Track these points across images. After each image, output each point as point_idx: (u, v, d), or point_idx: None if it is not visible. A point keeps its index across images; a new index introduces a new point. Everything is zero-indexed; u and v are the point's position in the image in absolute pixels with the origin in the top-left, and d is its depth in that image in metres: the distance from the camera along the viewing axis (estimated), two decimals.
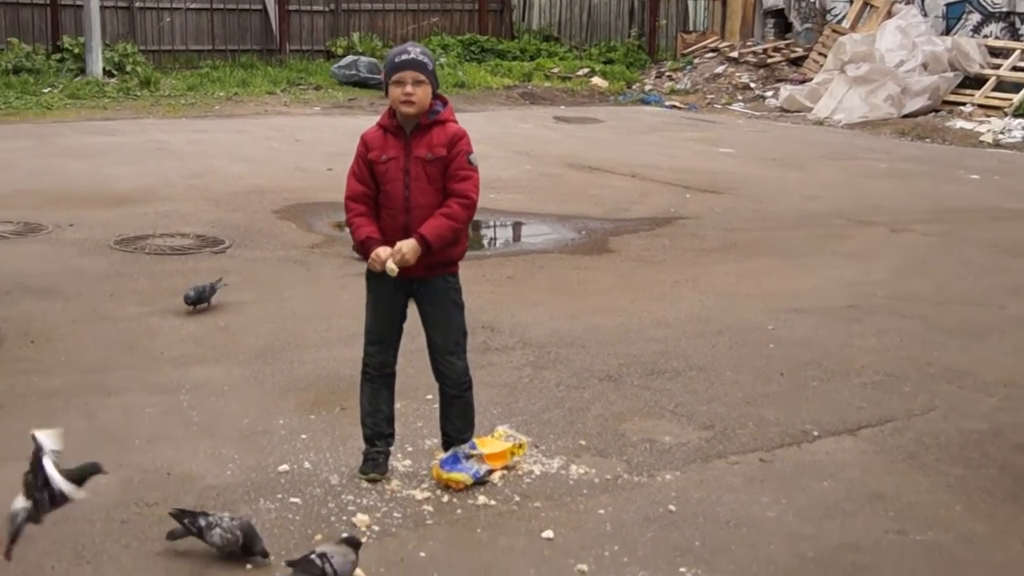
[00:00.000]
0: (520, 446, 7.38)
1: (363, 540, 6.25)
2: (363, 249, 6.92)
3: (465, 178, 6.87)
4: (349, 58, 29.92)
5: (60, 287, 11.25)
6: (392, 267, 6.72)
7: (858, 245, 14.26)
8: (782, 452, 7.78)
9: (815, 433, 8.13)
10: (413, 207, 6.83)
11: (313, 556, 5.77)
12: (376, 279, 7.07)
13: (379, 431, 7.25)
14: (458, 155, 6.86)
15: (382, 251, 6.77)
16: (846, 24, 30.17)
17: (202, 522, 6.13)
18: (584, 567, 6.09)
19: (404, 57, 6.83)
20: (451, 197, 6.84)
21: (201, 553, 6.14)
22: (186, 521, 6.16)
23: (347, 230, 13.28)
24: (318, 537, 6.29)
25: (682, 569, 6.13)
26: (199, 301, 10.47)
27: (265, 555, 6.14)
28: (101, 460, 7.17)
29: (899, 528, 6.71)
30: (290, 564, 5.86)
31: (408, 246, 6.72)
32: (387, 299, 7.08)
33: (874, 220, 15.65)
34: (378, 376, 7.24)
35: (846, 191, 17.92)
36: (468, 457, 7.07)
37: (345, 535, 6.08)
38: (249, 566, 6.07)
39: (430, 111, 6.91)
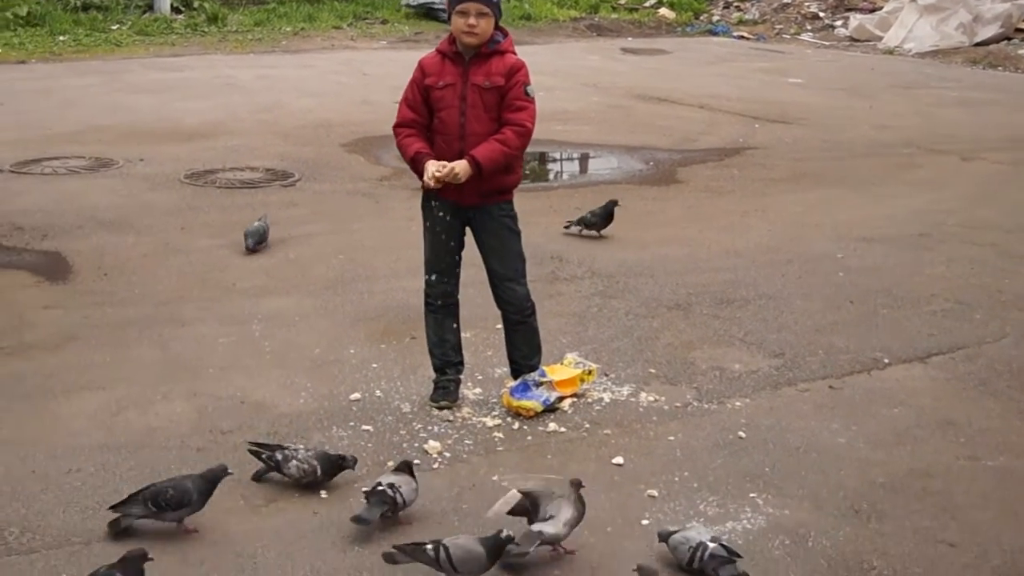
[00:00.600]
0: (590, 373, 7.40)
1: (435, 465, 6.33)
2: (414, 166, 6.92)
3: (521, 108, 6.86)
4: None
5: (131, 221, 11.35)
6: (429, 173, 6.73)
7: (928, 174, 14.16)
8: (852, 379, 7.78)
9: (885, 360, 8.11)
10: (468, 134, 6.84)
11: (383, 487, 5.83)
12: (432, 206, 7.11)
13: (447, 360, 7.30)
14: (515, 85, 6.85)
15: (432, 164, 6.77)
16: None
17: (279, 455, 6.19)
18: (654, 492, 6.13)
19: None
20: (506, 125, 6.85)
21: (275, 481, 6.22)
22: (264, 455, 6.23)
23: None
24: (390, 464, 6.34)
25: (752, 495, 6.15)
26: (262, 240, 10.51)
27: (353, 463, 6.23)
28: (175, 389, 7.34)
29: (970, 454, 6.70)
30: (365, 496, 5.90)
31: (460, 166, 6.72)
32: (443, 228, 7.10)
33: (945, 149, 15.51)
34: (441, 306, 7.28)
35: (916, 120, 17.76)
36: (538, 384, 7.11)
37: (398, 463, 6.13)
38: (324, 493, 6.14)
39: (490, 41, 6.91)
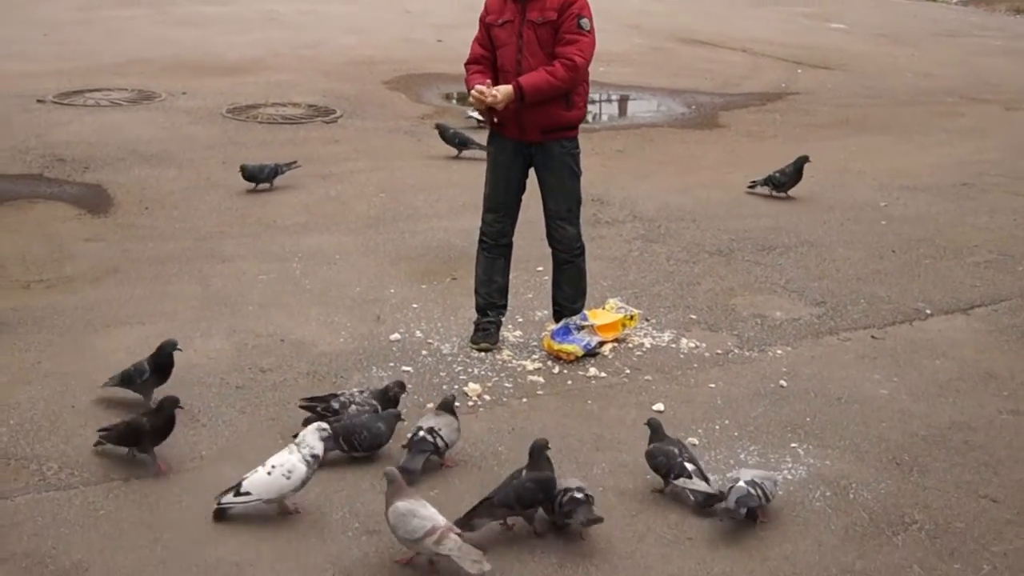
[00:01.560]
0: (631, 318, 7.38)
1: (474, 407, 6.33)
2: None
3: (571, 41, 6.81)
4: None
5: (173, 154, 11.35)
6: (477, 90, 6.75)
7: (971, 123, 14.05)
8: (894, 329, 7.73)
9: (927, 311, 8.06)
10: (525, 70, 6.81)
11: (423, 434, 5.81)
12: (496, 144, 7.09)
13: (492, 301, 7.28)
14: (568, 18, 6.81)
15: (477, 87, 6.77)
16: None
17: (335, 404, 6.13)
18: (695, 440, 6.11)
19: None
20: (556, 58, 6.81)
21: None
22: (319, 408, 6.16)
23: (454, 102, 13.31)
24: (429, 406, 6.34)
25: (793, 444, 6.12)
26: (253, 179, 10.39)
27: (402, 387, 6.24)
28: (215, 325, 7.34)
29: (1012, 408, 6.65)
30: (406, 445, 5.88)
31: (502, 90, 6.73)
32: (505, 165, 7.09)
33: (987, 98, 15.40)
34: (495, 246, 7.26)
35: (959, 68, 17.62)
36: (579, 328, 7.09)
37: (439, 403, 6.11)
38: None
39: None
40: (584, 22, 6.84)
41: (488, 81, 6.81)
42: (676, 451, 5.56)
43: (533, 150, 7.01)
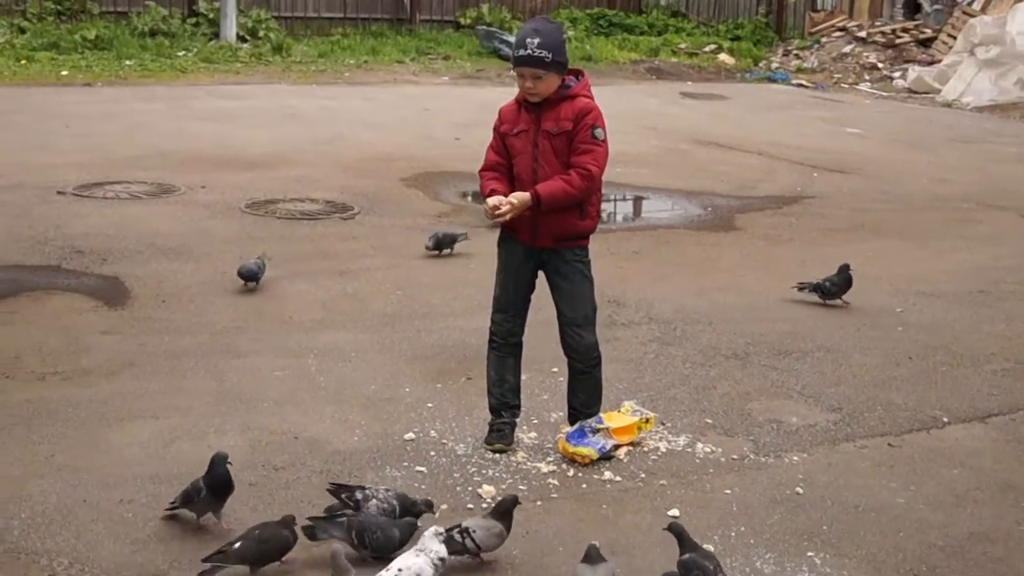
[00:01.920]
0: (647, 421, 7.36)
1: (485, 504, 6.29)
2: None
3: (586, 151, 6.86)
4: (495, 30, 30.01)
5: (191, 248, 11.39)
6: (490, 203, 6.80)
7: (987, 229, 14.05)
8: (911, 437, 7.70)
9: (944, 419, 8.03)
10: (541, 178, 6.85)
11: (455, 533, 5.78)
12: (507, 246, 7.12)
13: (505, 401, 7.27)
14: (583, 128, 6.86)
15: (493, 198, 6.82)
16: (976, 6, 29.62)
17: (358, 495, 6.11)
18: (710, 547, 6.05)
19: (522, 53, 6.82)
20: (572, 168, 6.85)
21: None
22: (343, 496, 6.14)
23: (470, 200, 13.34)
24: (443, 507, 6.31)
25: (809, 553, 6.08)
26: (249, 279, 10.30)
27: (429, 507, 6.16)
28: (229, 421, 7.34)
29: None
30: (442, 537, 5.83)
31: (519, 197, 6.77)
32: (516, 268, 7.12)
33: (1003, 205, 15.41)
34: (504, 345, 7.26)
35: (975, 175, 17.65)
36: (595, 431, 7.07)
37: (500, 499, 6.11)
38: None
39: (561, 86, 6.92)
40: (598, 132, 6.89)
41: (500, 193, 6.86)
42: (712, 568, 5.47)
43: (545, 256, 7.04)
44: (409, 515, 6.05)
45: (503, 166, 7.02)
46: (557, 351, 7.39)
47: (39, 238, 11.43)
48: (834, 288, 10.49)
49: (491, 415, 7.30)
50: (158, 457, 6.91)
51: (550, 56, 6.80)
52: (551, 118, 6.88)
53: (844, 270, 10.55)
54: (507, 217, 6.76)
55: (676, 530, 5.68)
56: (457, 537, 5.75)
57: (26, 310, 9.48)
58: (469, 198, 13.41)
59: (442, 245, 11.31)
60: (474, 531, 5.80)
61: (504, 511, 5.93)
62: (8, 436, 7.10)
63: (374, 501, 6.05)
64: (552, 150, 6.87)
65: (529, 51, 6.78)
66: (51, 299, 9.77)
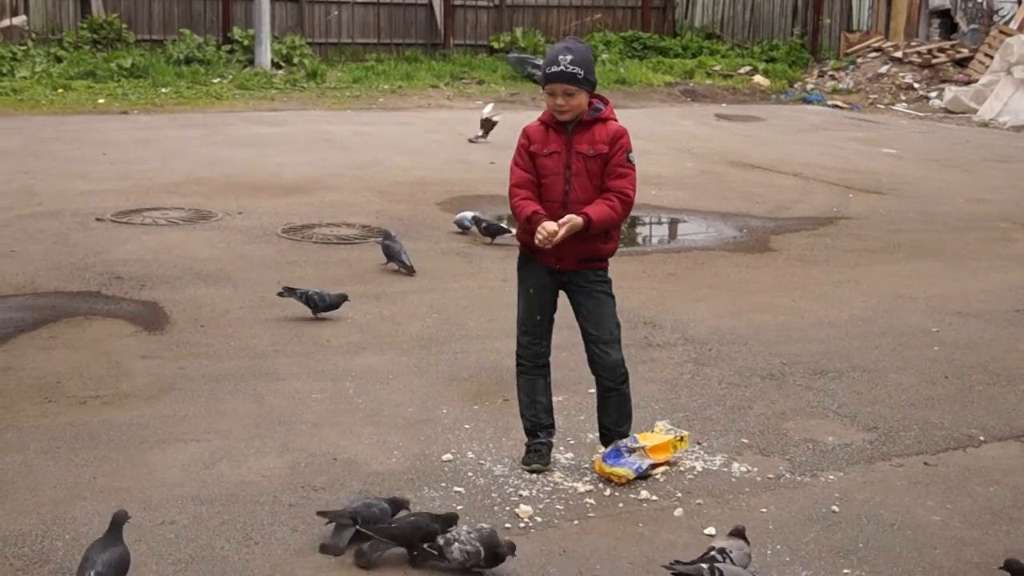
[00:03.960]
0: (682, 440, 7.38)
1: (523, 524, 6.32)
2: (529, 225, 6.93)
3: (623, 175, 6.92)
4: (526, 56, 30.14)
5: (229, 273, 11.48)
6: (544, 234, 6.75)
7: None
8: (947, 456, 7.71)
9: (981, 438, 8.03)
10: (572, 201, 6.89)
11: (713, 552, 5.86)
12: (528, 268, 7.17)
13: (539, 423, 7.31)
14: (618, 151, 6.92)
15: (549, 224, 6.79)
16: (1013, 25, 29.59)
17: (439, 540, 6.05)
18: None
19: (554, 70, 6.87)
20: (610, 192, 6.90)
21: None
22: (426, 545, 6.07)
23: (505, 223, 13.38)
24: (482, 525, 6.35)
25: (845, 571, 6.11)
26: (329, 307, 10.28)
27: (512, 549, 6.01)
28: (268, 443, 7.41)
29: None
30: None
31: (573, 221, 6.77)
32: (539, 290, 7.16)
33: None
34: (533, 367, 7.31)
35: (1012, 194, 17.62)
36: (631, 451, 7.10)
37: (732, 529, 6.14)
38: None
39: (592, 109, 6.98)
40: (632, 156, 6.97)
41: (543, 215, 6.87)
42: None
43: (566, 277, 7.09)
44: (494, 558, 5.97)
45: (533, 183, 7.02)
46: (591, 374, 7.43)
47: (79, 264, 11.54)
48: None
49: (527, 436, 7.34)
50: (199, 479, 6.97)
51: (582, 73, 6.86)
52: (585, 140, 6.93)
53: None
54: (559, 239, 6.76)
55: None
56: (718, 556, 5.82)
57: (67, 335, 9.57)
58: (505, 222, 13.46)
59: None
60: (730, 551, 5.86)
61: (740, 534, 6.02)
62: (51, 459, 7.18)
63: (456, 544, 5.98)
64: (586, 172, 6.92)
65: (562, 67, 6.84)
66: (91, 324, 9.86)
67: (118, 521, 5.70)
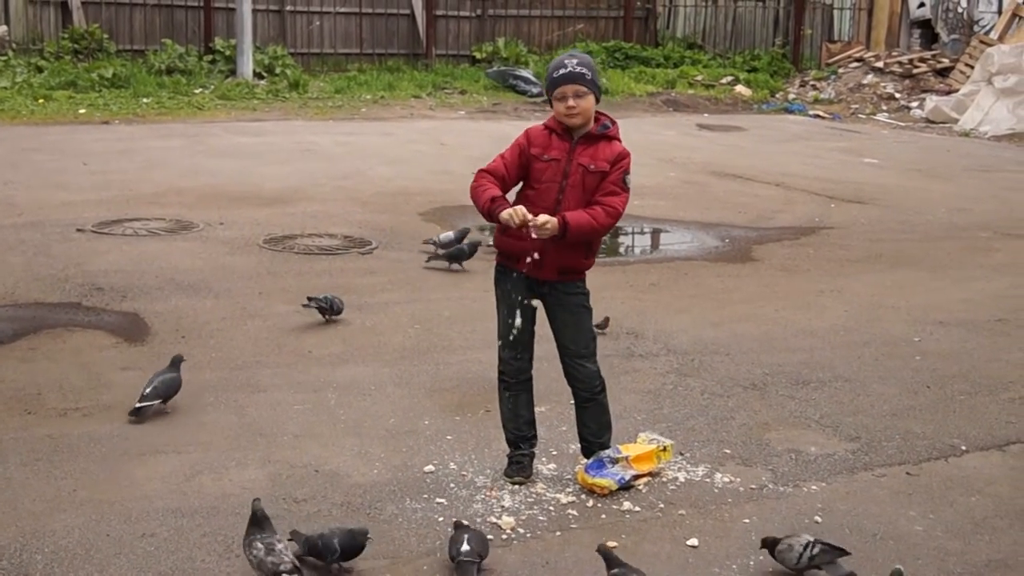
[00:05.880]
0: (665, 450, 7.38)
1: (505, 535, 6.31)
2: (491, 210, 6.77)
3: (615, 193, 6.89)
4: (507, 68, 30.12)
5: (210, 284, 11.44)
6: (520, 215, 6.63)
7: (1006, 258, 14.07)
8: (929, 466, 7.71)
9: (963, 447, 8.04)
10: (562, 210, 6.84)
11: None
12: (505, 278, 7.14)
13: (521, 435, 7.30)
14: (616, 171, 6.89)
15: (520, 209, 6.70)
16: (994, 35, 29.72)
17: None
18: None
19: (562, 72, 6.86)
20: (598, 204, 6.87)
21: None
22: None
23: (487, 233, 13.37)
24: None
25: None
26: (335, 311, 10.46)
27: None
28: (250, 455, 7.38)
29: None
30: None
31: (552, 221, 6.69)
32: (519, 301, 7.11)
33: (1022, 233, 15.43)
34: (516, 383, 7.29)
35: (993, 204, 17.67)
36: (614, 462, 7.09)
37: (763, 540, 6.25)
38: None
39: (600, 125, 6.95)
40: (629, 179, 6.93)
41: (503, 201, 6.78)
42: None
43: (544, 289, 7.05)
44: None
45: (504, 180, 6.92)
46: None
47: (59, 275, 11.49)
48: None
49: (509, 448, 7.32)
50: (179, 491, 6.94)
51: (589, 74, 6.87)
52: (588, 154, 6.90)
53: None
54: (546, 231, 6.68)
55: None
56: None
57: (47, 347, 9.53)
58: (487, 232, 13.43)
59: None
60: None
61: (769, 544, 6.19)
62: (31, 471, 7.15)
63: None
64: (582, 185, 6.87)
65: (569, 68, 6.84)
66: (72, 336, 9.82)
67: (176, 361, 8.36)
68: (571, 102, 6.83)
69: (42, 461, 7.29)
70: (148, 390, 8.07)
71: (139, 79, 26.53)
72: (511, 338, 7.18)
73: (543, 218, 6.67)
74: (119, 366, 9.14)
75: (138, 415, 7.99)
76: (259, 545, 5.84)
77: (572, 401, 7.52)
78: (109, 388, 8.65)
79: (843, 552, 6.04)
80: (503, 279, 7.16)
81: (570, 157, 6.90)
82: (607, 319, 9.99)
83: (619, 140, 7.02)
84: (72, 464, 7.26)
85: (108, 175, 17.07)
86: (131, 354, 9.45)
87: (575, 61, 6.88)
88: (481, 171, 7.01)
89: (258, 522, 5.93)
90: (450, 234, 12.73)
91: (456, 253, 12.34)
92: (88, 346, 9.59)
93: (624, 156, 6.94)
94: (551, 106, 6.97)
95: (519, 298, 7.08)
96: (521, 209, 6.71)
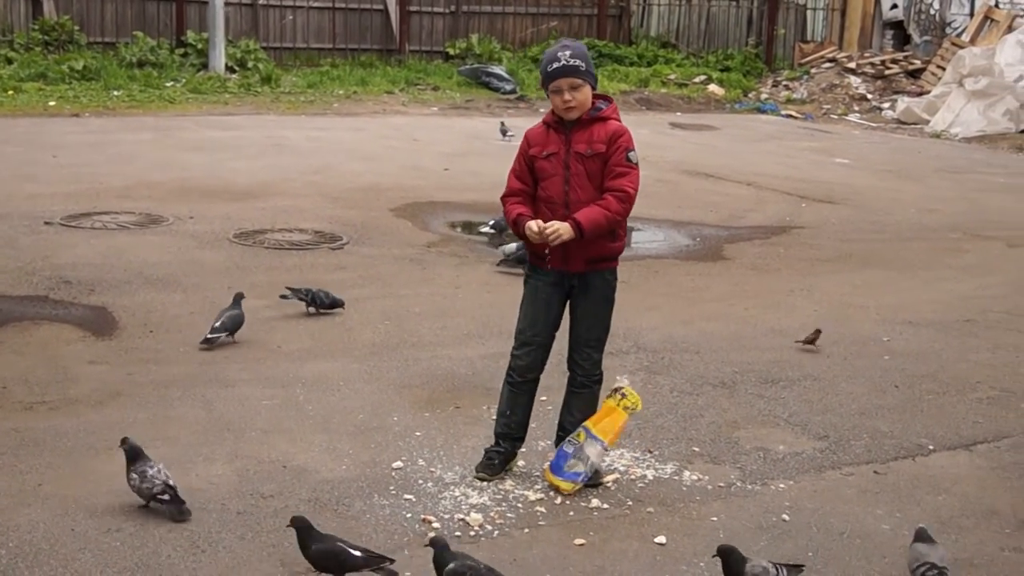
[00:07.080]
0: (619, 393, 7.20)
1: (473, 532, 6.29)
2: (516, 227, 6.98)
3: (622, 174, 6.86)
4: (479, 66, 30.08)
5: (179, 278, 11.40)
6: (534, 229, 6.74)
7: (974, 259, 14.11)
8: (896, 465, 7.73)
9: (930, 447, 8.06)
10: (572, 202, 6.86)
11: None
12: (536, 277, 7.14)
13: (508, 432, 7.26)
14: (617, 151, 6.86)
15: (535, 223, 6.79)
16: (966, 37, 29.80)
17: None
18: (696, 574, 6.08)
19: (555, 65, 6.86)
20: (608, 191, 6.86)
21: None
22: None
23: (459, 230, 13.38)
24: (432, 534, 6.31)
25: None
26: (318, 304, 10.48)
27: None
28: (217, 450, 7.35)
29: (1015, 545, 6.64)
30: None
31: (564, 227, 6.73)
32: (546, 299, 7.11)
33: (991, 234, 15.46)
34: (522, 383, 7.26)
35: (963, 205, 17.73)
36: (575, 449, 7.01)
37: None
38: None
39: (592, 108, 6.95)
40: (632, 155, 6.90)
41: (538, 220, 6.84)
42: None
43: (575, 280, 7.05)
44: None
45: (526, 192, 7.02)
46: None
47: (26, 268, 11.43)
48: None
49: (494, 439, 7.30)
50: None
51: (584, 65, 6.86)
52: (583, 140, 6.89)
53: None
54: (559, 240, 6.72)
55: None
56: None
57: (13, 340, 9.48)
58: (458, 228, 13.43)
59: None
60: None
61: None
62: None
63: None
64: (585, 172, 6.88)
65: (563, 62, 6.83)
66: (38, 329, 9.77)
67: (238, 298, 9.63)
68: (567, 96, 6.83)
69: (7, 455, 7.24)
70: (217, 324, 9.36)
71: (110, 72, 26.35)
72: (531, 333, 7.17)
73: (552, 228, 6.73)
74: (86, 360, 9.09)
75: (209, 344, 9.31)
76: (134, 475, 6.47)
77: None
78: (76, 382, 8.60)
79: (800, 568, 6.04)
80: (533, 278, 7.18)
81: (567, 147, 6.90)
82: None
83: (615, 118, 7.00)
84: (37, 458, 7.22)
85: (77, 168, 16.98)
86: (98, 348, 9.40)
87: (568, 53, 6.86)
88: (502, 197, 7.13)
89: (133, 459, 6.50)
90: (512, 246, 12.65)
91: (522, 257, 12.37)
92: (55, 339, 9.54)
93: (621, 133, 6.91)
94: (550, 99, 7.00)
95: (547, 292, 7.09)
96: (535, 224, 6.78)
